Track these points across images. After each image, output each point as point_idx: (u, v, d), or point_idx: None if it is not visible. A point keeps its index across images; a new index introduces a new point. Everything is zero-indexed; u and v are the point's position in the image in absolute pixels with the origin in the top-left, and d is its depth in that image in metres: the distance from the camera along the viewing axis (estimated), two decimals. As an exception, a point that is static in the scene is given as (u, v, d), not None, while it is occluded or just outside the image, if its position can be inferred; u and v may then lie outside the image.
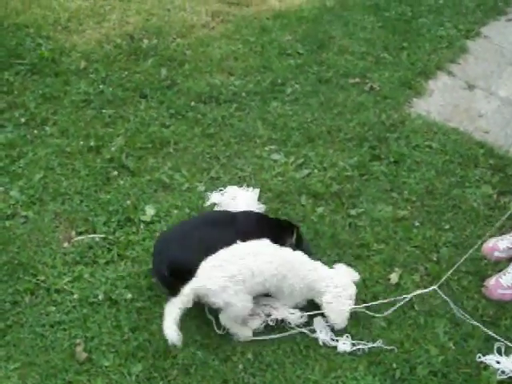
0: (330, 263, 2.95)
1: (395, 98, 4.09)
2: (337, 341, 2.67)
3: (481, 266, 3.09)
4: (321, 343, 2.66)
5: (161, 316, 2.68)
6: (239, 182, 3.34)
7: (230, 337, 2.66)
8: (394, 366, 2.63)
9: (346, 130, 3.77)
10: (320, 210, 3.22)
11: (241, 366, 2.58)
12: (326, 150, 3.60)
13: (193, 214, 3.14)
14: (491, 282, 2.97)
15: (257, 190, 3.27)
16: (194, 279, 2.57)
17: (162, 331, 2.50)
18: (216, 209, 3.17)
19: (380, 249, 3.08)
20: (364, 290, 2.89)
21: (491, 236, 3.10)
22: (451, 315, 2.82)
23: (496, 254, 3.08)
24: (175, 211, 3.16)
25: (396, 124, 3.86)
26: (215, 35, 4.57)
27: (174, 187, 3.31)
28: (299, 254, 2.73)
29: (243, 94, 3.98)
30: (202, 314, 2.72)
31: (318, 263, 2.76)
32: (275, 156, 3.54)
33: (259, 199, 3.24)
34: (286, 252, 2.70)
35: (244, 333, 2.65)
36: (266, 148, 3.59)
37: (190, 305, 2.54)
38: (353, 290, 2.71)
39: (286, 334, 2.68)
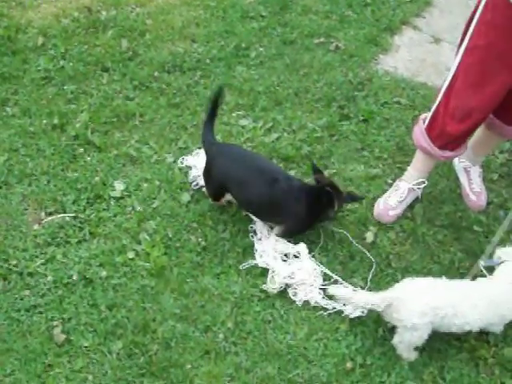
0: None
1: (361, 55, 4.04)
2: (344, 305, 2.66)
3: (455, 219, 3.10)
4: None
5: (137, 292, 2.68)
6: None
7: (208, 306, 2.65)
8: (376, 324, 2.64)
9: (314, 91, 3.72)
10: (291, 173, 3.17)
11: (221, 336, 2.57)
12: (294, 113, 3.56)
13: (163, 186, 3.09)
14: (380, 207, 3.01)
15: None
16: (393, 288, 2.53)
17: (140, 307, 2.49)
18: (191, 172, 3.13)
19: (354, 208, 3.07)
20: (340, 250, 2.90)
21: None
22: (427, 270, 2.84)
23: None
24: (145, 184, 3.11)
25: (363, 82, 3.82)
26: (175, 2, 4.44)
27: (142, 160, 3.24)
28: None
29: (207, 61, 3.90)
30: (178, 287, 2.70)
31: None
32: (243, 121, 3.48)
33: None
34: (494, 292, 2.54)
35: (410, 357, 2.57)
36: (234, 114, 3.53)
37: (378, 309, 2.50)
38: None
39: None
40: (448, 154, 2.88)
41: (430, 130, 2.83)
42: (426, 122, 2.84)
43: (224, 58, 3.94)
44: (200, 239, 2.88)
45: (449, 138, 2.79)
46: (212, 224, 2.94)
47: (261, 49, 4.04)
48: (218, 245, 2.87)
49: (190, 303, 2.66)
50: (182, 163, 3.18)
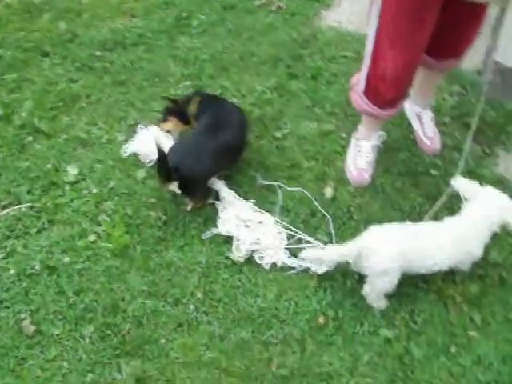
0: (263, 190, 2.95)
1: (304, 13, 4.02)
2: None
3: (412, 165, 3.13)
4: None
5: (103, 274, 2.65)
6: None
7: (175, 279, 2.64)
8: (344, 277, 2.66)
9: (259, 54, 3.69)
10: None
11: (192, 307, 2.56)
12: (241, 77, 3.53)
13: (117, 166, 3.05)
14: (354, 173, 3.02)
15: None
16: (360, 238, 2.52)
17: (107, 288, 2.47)
18: (141, 146, 3.10)
19: (311, 166, 3.07)
20: (301, 209, 2.90)
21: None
22: (389, 218, 2.86)
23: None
24: (98, 166, 3.06)
25: (308, 39, 3.80)
26: (110, -21, 4.36)
27: (93, 142, 3.19)
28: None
29: (149, 35, 3.84)
30: (143, 264, 2.69)
31: None
32: (191, 91, 3.43)
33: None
34: (459, 231, 2.55)
35: (381, 305, 2.59)
36: (181, 85, 3.48)
37: (348, 260, 2.52)
38: None
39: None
40: (391, 111, 2.88)
41: (366, 93, 2.81)
42: (362, 86, 2.80)
43: (165, 30, 3.88)
44: (160, 214, 2.86)
45: (386, 98, 2.78)
46: (170, 197, 2.91)
47: (202, 17, 3.99)
48: (179, 217, 2.85)
49: (156, 278, 2.65)
50: (125, 153, 3.11)
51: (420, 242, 2.50)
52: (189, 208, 2.87)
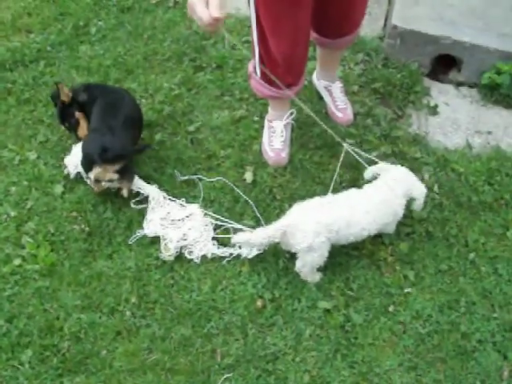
0: (184, 185, 2.95)
1: (202, 4, 3.99)
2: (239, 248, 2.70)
3: (327, 138, 3.15)
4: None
5: (33, 296, 2.59)
6: (71, 137, 3.17)
7: (108, 288, 2.61)
8: (275, 257, 2.69)
9: (162, 51, 3.65)
10: (158, 136, 3.14)
11: (129, 313, 2.54)
12: (147, 77, 3.48)
13: (33, 185, 2.98)
14: (271, 154, 3.03)
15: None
16: (284, 217, 2.54)
17: (40, 310, 2.43)
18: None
19: (228, 154, 3.07)
20: (224, 198, 2.91)
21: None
22: (312, 193, 2.88)
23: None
24: (13, 188, 2.97)
25: (209, 30, 3.78)
26: (-1, -3, 4.24)
27: (5, 165, 3.09)
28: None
29: (48, 48, 3.74)
30: (73, 279, 2.64)
31: None
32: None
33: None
34: (381, 193, 2.60)
35: (315, 278, 2.62)
36: (88, 94, 3.42)
37: (275, 240, 2.53)
38: None
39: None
40: (295, 88, 2.86)
41: (265, 78, 2.80)
42: (258, 72, 2.80)
43: (64, 42, 3.79)
44: (83, 226, 2.81)
45: (285, 81, 2.76)
46: (91, 208, 2.86)
47: (100, 23, 3.91)
48: (103, 226, 2.80)
49: (89, 291, 2.61)
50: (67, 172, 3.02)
51: (343, 212, 2.54)
52: (125, 193, 2.84)
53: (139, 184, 2.88)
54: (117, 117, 2.87)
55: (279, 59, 2.67)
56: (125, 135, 2.84)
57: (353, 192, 2.66)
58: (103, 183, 2.80)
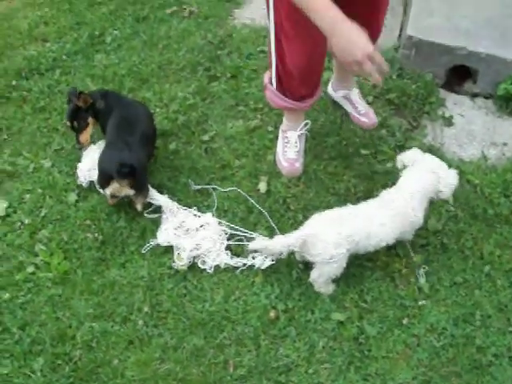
0: (198, 195, 2.94)
1: (216, 14, 4.02)
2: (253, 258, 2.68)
3: (341, 148, 3.15)
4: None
5: (46, 304, 2.59)
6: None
7: (120, 297, 2.60)
8: (289, 268, 2.67)
9: (177, 61, 3.67)
10: (173, 146, 3.15)
11: (141, 322, 2.53)
12: (162, 87, 3.50)
13: (47, 193, 2.99)
14: (285, 164, 3.02)
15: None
16: (304, 227, 2.53)
17: (52, 318, 2.43)
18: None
19: (242, 164, 3.07)
20: (238, 208, 2.90)
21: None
22: (326, 204, 2.87)
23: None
24: (28, 196, 2.99)
25: (224, 40, 3.80)
26: (17, 6, 4.28)
27: (19, 173, 3.11)
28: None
29: (64, 57, 3.77)
30: (86, 287, 2.64)
31: None
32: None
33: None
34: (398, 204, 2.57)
35: (329, 289, 2.60)
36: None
37: (295, 249, 2.52)
38: None
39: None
40: (310, 101, 2.88)
41: (280, 90, 2.80)
42: (274, 83, 2.79)
43: (80, 50, 3.83)
44: (96, 234, 2.81)
45: (301, 92, 2.78)
46: (105, 216, 2.87)
47: (115, 32, 3.94)
48: (116, 235, 2.80)
49: (101, 300, 2.60)
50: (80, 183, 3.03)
51: (363, 222, 2.52)
52: (140, 207, 2.84)
53: (152, 194, 2.88)
54: (134, 133, 2.86)
55: (296, 71, 2.66)
56: (141, 151, 2.85)
57: (370, 202, 2.65)
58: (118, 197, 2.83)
